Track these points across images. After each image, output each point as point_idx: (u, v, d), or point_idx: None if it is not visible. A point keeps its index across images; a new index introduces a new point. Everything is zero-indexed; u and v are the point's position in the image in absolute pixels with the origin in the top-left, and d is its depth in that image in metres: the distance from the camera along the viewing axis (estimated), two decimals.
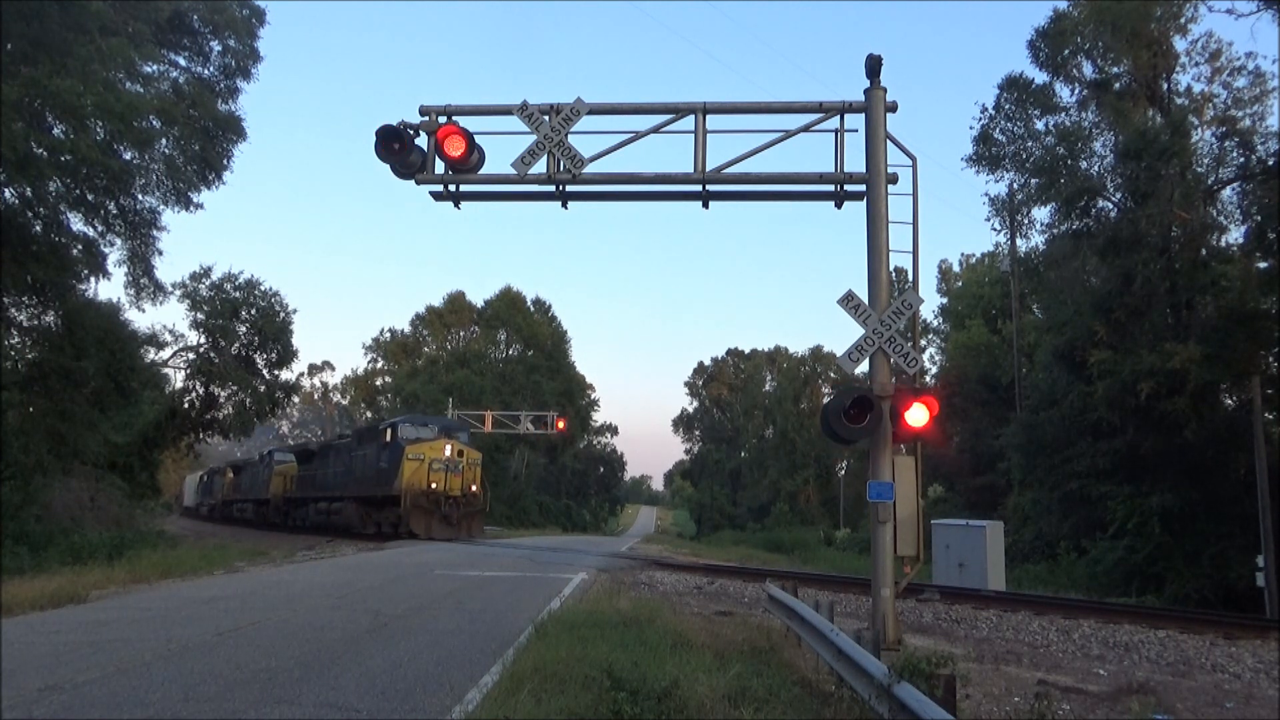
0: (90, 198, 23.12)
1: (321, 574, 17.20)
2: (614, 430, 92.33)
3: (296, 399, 54.35)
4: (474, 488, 31.15)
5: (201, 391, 37.91)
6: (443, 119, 8.83)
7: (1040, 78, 28.37)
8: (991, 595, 14.75)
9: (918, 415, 7.88)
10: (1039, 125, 28.79)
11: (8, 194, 21.53)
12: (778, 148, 8.68)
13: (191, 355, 37.18)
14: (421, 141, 8.83)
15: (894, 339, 7.89)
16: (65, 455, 23.85)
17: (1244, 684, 8.22)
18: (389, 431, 32.32)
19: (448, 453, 30.82)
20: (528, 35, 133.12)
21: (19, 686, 6.91)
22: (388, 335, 79.96)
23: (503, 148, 9.08)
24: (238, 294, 37.50)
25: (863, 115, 8.44)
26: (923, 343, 50.03)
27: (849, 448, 41.10)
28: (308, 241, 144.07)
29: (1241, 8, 25.66)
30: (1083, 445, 27.53)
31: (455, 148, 8.71)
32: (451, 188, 9.00)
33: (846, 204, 8.66)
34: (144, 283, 27.83)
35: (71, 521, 22.61)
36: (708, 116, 8.76)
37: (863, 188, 8.39)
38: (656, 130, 8.84)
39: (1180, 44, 27.07)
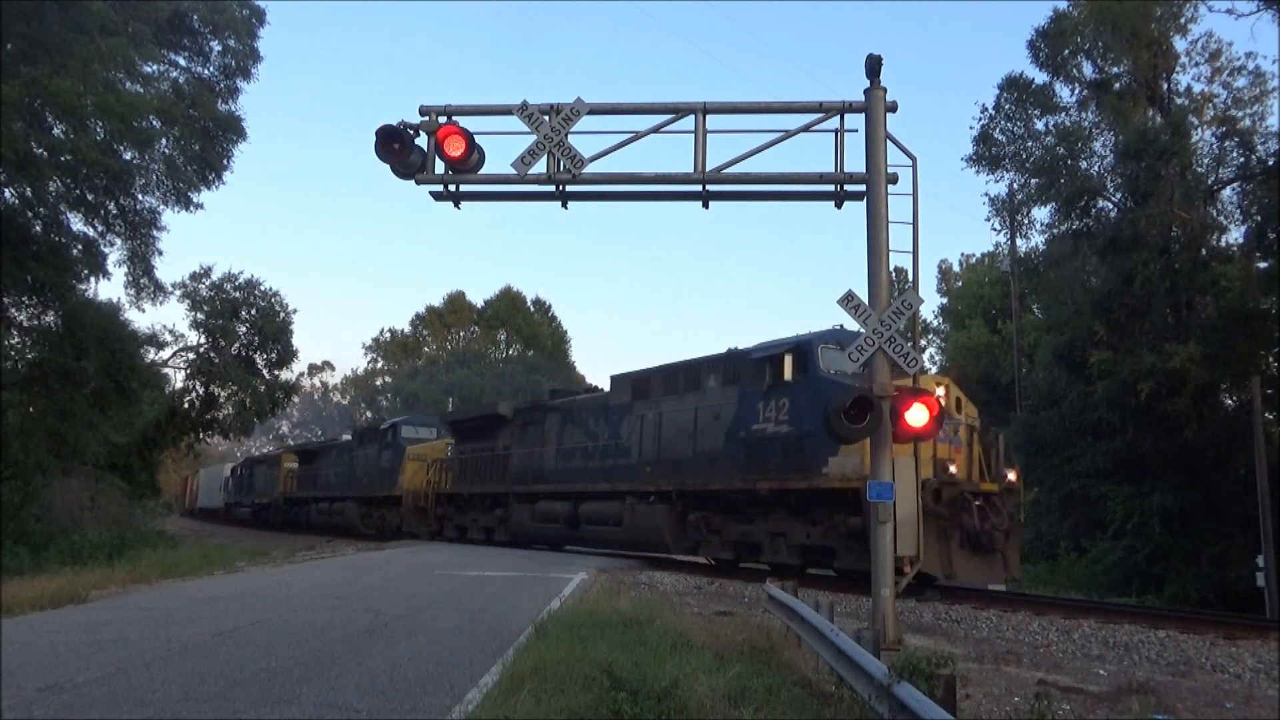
0: (90, 198, 23.17)
1: (321, 574, 17.20)
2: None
3: (296, 399, 53.96)
4: (1011, 475, 15.46)
5: (201, 391, 37.88)
6: (443, 119, 8.83)
7: (1040, 78, 28.38)
8: (991, 595, 14.73)
9: (918, 415, 7.89)
10: (1039, 125, 28.81)
11: (8, 194, 21.58)
12: (778, 148, 8.68)
13: (191, 355, 37.17)
14: (421, 141, 8.82)
15: (894, 339, 7.89)
16: (65, 455, 23.88)
17: (1244, 684, 8.21)
18: (788, 361, 16.02)
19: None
20: (528, 35, 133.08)
21: (19, 686, 6.91)
22: (388, 335, 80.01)
23: (503, 148, 9.07)
24: (238, 294, 37.47)
25: (863, 115, 8.43)
26: (923, 343, 50.05)
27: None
28: (308, 241, 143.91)
29: (1241, 8, 25.73)
30: (1083, 445, 27.52)
31: (455, 148, 8.70)
32: (451, 188, 8.99)
33: (846, 204, 8.66)
34: (144, 283, 27.90)
35: (71, 521, 22.64)
36: (708, 116, 8.75)
37: (863, 188, 8.39)
38: (656, 130, 8.84)
39: (1180, 44, 27.10)
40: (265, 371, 38.50)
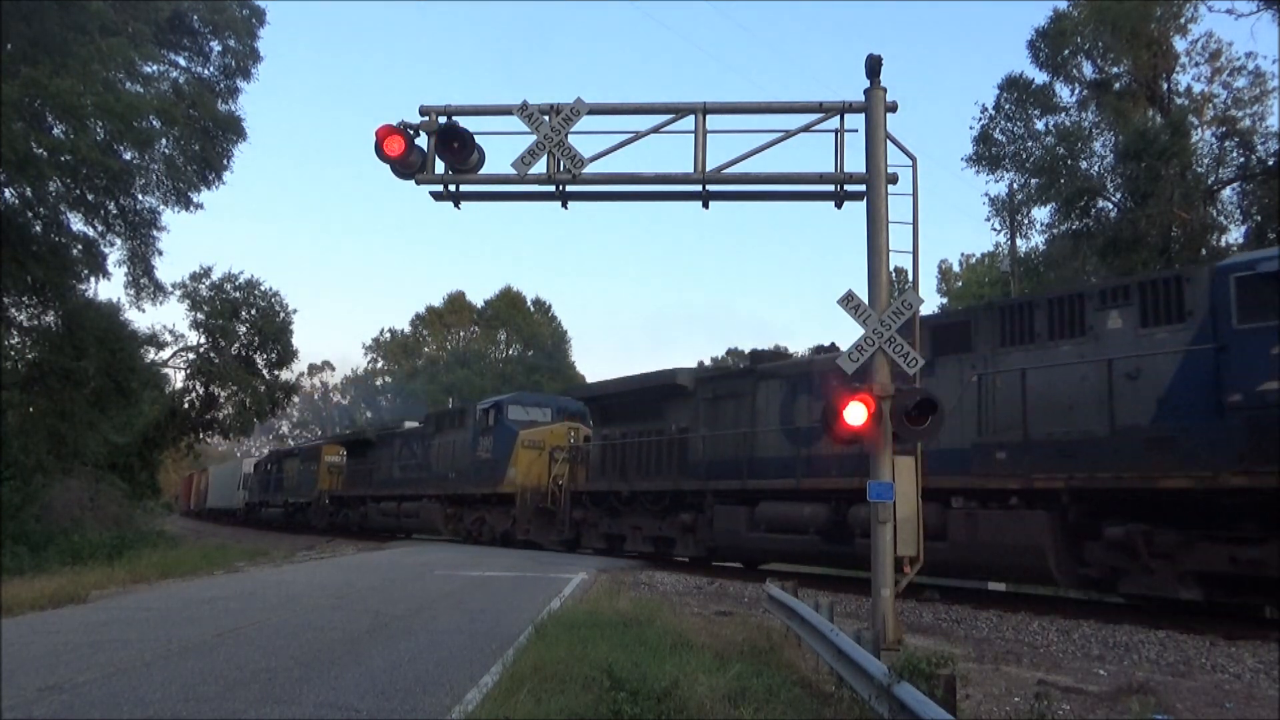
0: (90, 198, 23.20)
1: (322, 574, 17.21)
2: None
3: (296, 399, 53.79)
4: None
5: (201, 391, 37.92)
6: (443, 119, 8.83)
7: (1040, 78, 28.38)
8: (991, 595, 14.73)
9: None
10: (1039, 125, 28.80)
11: (8, 194, 21.61)
12: (778, 148, 8.68)
13: (191, 355, 37.21)
14: (421, 141, 8.82)
15: (894, 339, 7.89)
16: (65, 455, 23.90)
17: (1244, 684, 8.20)
18: None
19: None
20: (528, 35, 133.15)
21: (19, 686, 6.91)
22: (388, 335, 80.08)
23: (503, 148, 9.08)
24: (238, 294, 37.51)
25: (863, 115, 8.43)
26: None
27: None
28: (308, 242, 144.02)
29: (1241, 8, 25.70)
30: None
31: (455, 148, 8.71)
32: (451, 188, 8.99)
33: (846, 204, 8.66)
34: (144, 283, 27.94)
35: (71, 521, 22.65)
36: (708, 116, 8.75)
37: (863, 188, 8.39)
38: (656, 130, 8.84)
39: (1180, 44, 27.11)
40: (265, 371, 38.53)
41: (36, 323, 25.04)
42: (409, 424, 35.05)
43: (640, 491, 19.84)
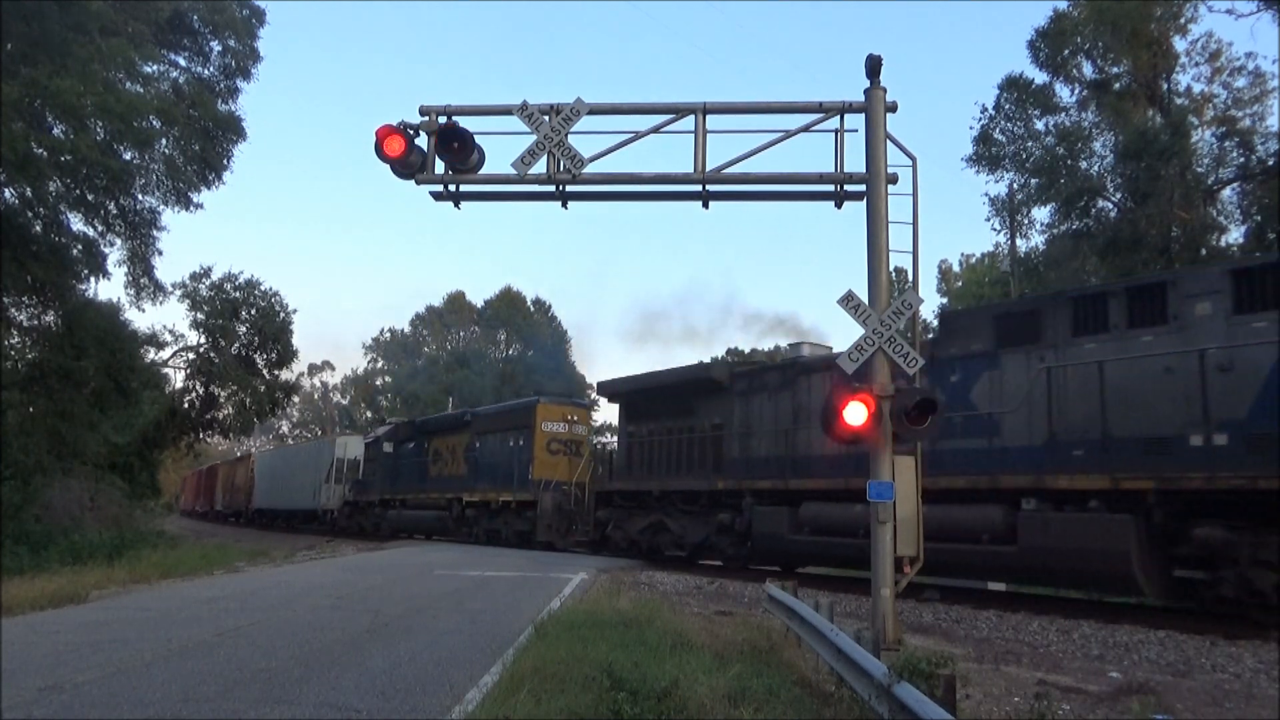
0: (90, 198, 23.21)
1: (321, 574, 17.21)
2: (615, 430, 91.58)
3: (296, 399, 53.63)
4: None
5: (201, 391, 37.87)
6: (443, 119, 8.83)
7: (1040, 78, 28.36)
8: (991, 595, 14.72)
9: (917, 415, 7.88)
10: (1039, 125, 28.79)
11: (8, 194, 21.61)
12: (778, 148, 8.68)
13: (191, 355, 37.18)
14: (421, 141, 8.82)
15: (894, 339, 7.89)
16: (65, 455, 23.89)
17: (1244, 684, 8.21)
18: None
19: None
20: (528, 35, 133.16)
21: (19, 686, 6.91)
22: (388, 335, 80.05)
23: (503, 148, 9.08)
24: (238, 294, 37.46)
25: (863, 115, 8.43)
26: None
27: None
28: (307, 241, 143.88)
29: (1241, 8, 25.69)
30: None
31: (455, 148, 8.71)
32: (451, 188, 8.99)
33: (846, 204, 8.66)
34: (144, 283, 27.92)
35: (71, 521, 22.64)
36: (708, 116, 8.75)
37: (863, 188, 8.39)
38: (656, 130, 8.84)
39: (1180, 44, 27.10)
40: (265, 371, 38.49)
41: (36, 323, 25.06)
42: (807, 349, 18.06)
43: None
